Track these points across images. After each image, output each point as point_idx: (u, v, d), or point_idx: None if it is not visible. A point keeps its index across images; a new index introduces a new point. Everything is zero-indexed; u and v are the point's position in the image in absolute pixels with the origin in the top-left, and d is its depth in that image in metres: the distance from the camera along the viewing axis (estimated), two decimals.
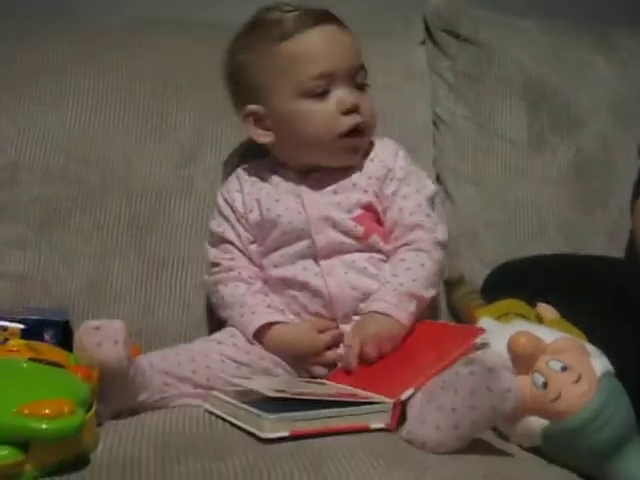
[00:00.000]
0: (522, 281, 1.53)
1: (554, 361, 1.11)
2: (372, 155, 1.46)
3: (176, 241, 1.62)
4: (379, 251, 1.40)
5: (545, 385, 1.09)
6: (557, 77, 1.88)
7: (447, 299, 1.58)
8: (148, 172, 1.65)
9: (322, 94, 1.39)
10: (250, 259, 1.46)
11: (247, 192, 1.47)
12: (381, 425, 1.13)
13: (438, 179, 1.78)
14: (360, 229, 1.39)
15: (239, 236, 1.46)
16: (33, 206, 1.59)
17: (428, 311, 1.40)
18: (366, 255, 1.39)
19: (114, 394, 1.14)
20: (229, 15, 1.91)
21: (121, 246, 1.60)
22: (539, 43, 1.93)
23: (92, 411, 1.03)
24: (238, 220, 1.47)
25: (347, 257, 1.39)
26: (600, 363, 1.12)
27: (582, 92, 1.88)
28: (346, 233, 1.39)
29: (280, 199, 1.43)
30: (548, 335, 1.15)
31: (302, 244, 1.40)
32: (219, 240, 1.48)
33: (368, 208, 1.41)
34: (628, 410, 1.10)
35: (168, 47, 1.80)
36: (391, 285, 1.34)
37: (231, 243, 1.46)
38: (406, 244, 1.39)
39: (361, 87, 1.43)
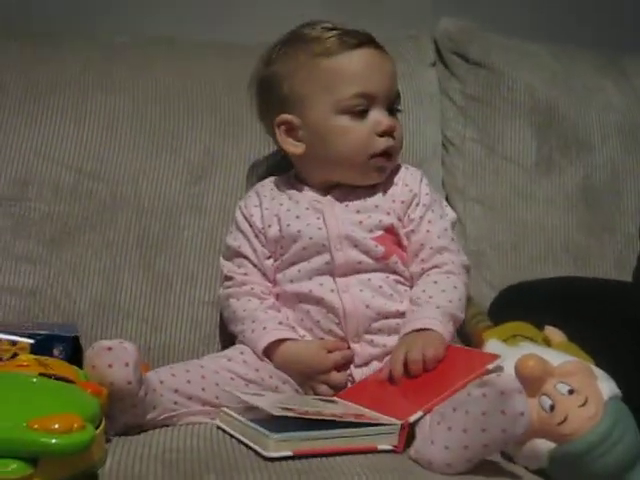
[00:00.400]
0: (529, 303, 1.53)
1: (561, 384, 1.11)
2: (396, 179, 1.48)
3: (185, 259, 1.63)
4: (397, 272, 1.41)
5: (552, 408, 1.09)
6: (566, 101, 1.89)
7: None
8: (158, 190, 1.65)
9: (360, 113, 1.41)
10: (264, 274, 1.46)
11: (266, 207, 1.48)
12: (388, 446, 1.13)
13: (447, 200, 1.78)
14: (381, 249, 1.40)
15: (255, 251, 1.46)
16: (44, 222, 1.60)
17: None
18: (383, 275, 1.40)
19: (123, 413, 1.15)
20: (241, 36, 1.94)
21: (130, 263, 1.61)
22: (549, 67, 1.94)
23: (101, 427, 1.03)
24: (256, 235, 1.47)
25: (364, 275, 1.39)
26: (607, 386, 1.12)
27: (591, 117, 1.89)
28: (366, 252, 1.40)
29: (301, 215, 1.44)
30: (555, 358, 1.15)
31: (320, 260, 1.40)
32: (234, 254, 1.48)
33: (389, 230, 1.42)
34: (635, 434, 1.10)
35: (180, 66, 1.81)
36: (430, 305, 1.34)
37: (246, 257, 1.47)
38: (436, 266, 1.40)
39: (394, 112, 1.46)
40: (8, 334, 1.33)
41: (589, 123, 1.89)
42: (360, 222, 1.42)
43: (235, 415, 1.18)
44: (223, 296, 1.47)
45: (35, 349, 1.31)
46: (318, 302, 1.39)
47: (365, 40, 1.45)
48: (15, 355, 1.26)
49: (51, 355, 1.30)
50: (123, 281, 1.60)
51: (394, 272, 1.41)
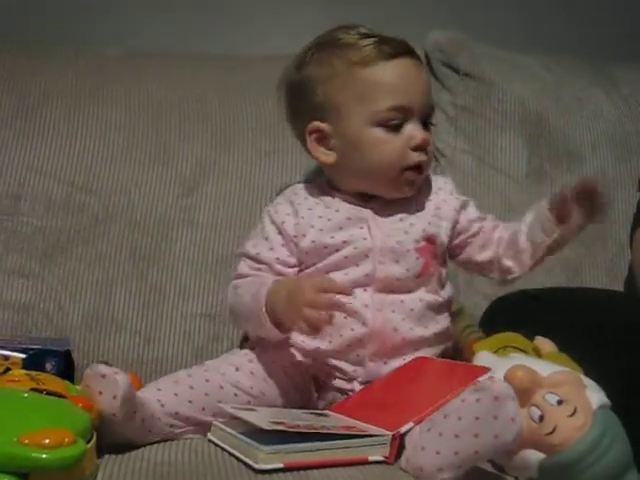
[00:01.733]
0: (520, 314, 1.53)
1: (550, 394, 1.11)
2: (435, 188, 1.48)
3: (177, 271, 1.63)
4: (431, 292, 1.39)
5: (541, 418, 1.09)
6: (557, 112, 1.90)
7: None
8: (150, 203, 1.66)
9: (395, 127, 1.39)
10: None
11: (302, 216, 1.42)
12: (380, 458, 1.13)
13: None
14: (421, 262, 1.38)
15: (277, 259, 1.41)
16: (36, 236, 1.61)
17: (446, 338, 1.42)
18: (417, 297, 1.38)
19: (112, 434, 1.14)
20: (231, 47, 1.95)
21: (123, 276, 1.62)
22: (539, 78, 1.95)
23: (92, 441, 1.03)
24: (284, 243, 1.42)
25: (398, 297, 1.37)
26: (596, 396, 1.12)
27: (582, 127, 1.90)
28: (407, 268, 1.37)
29: (344, 226, 1.40)
30: (545, 368, 1.15)
31: (360, 272, 1.37)
32: (253, 261, 1.42)
33: (431, 240, 1.41)
34: (624, 443, 1.10)
35: (170, 78, 1.82)
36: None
37: (265, 264, 1.41)
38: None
39: (428, 125, 1.43)
40: (0, 349, 1.33)
41: (580, 133, 1.89)
42: (405, 231, 1.40)
43: (226, 428, 1.18)
44: (231, 286, 1.41)
45: (27, 364, 1.31)
46: (349, 315, 1.35)
47: (402, 50, 1.41)
48: (7, 370, 1.26)
49: (43, 369, 1.31)
50: (116, 294, 1.60)
51: (428, 291, 1.39)
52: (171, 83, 1.81)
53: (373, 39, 1.41)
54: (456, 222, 1.45)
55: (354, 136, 1.40)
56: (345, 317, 1.34)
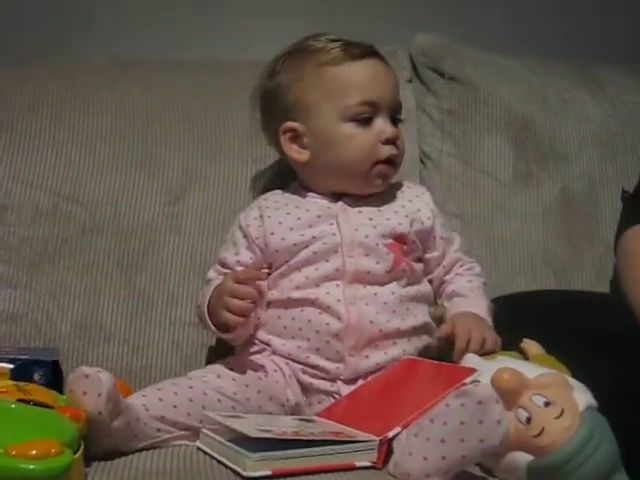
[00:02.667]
0: (509, 317, 1.53)
1: (537, 396, 1.11)
2: (411, 196, 1.53)
3: (165, 279, 1.63)
4: (403, 285, 1.42)
5: (529, 420, 1.10)
6: (542, 114, 1.90)
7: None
8: (137, 211, 1.66)
9: (365, 121, 1.45)
10: None
11: (268, 215, 1.47)
12: (367, 463, 1.13)
13: None
14: (391, 256, 1.42)
15: (238, 262, 1.46)
16: (23, 246, 1.60)
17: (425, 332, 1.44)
18: (389, 290, 1.40)
19: (98, 441, 1.14)
20: (216, 53, 1.95)
21: (111, 285, 1.61)
22: (525, 80, 1.95)
23: (80, 451, 1.03)
24: (247, 246, 1.48)
25: (370, 289, 1.40)
26: (583, 397, 1.13)
27: (567, 128, 1.91)
28: (377, 261, 1.41)
29: (314, 223, 1.44)
30: (532, 370, 1.15)
31: (330, 266, 1.40)
32: (220, 265, 1.49)
33: (399, 239, 1.45)
34: (612, 444, 1.10)
35: (155, 86, 1.82)
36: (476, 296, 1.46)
37: (230, 267, 1.47)
38: (469, 269, 1.53)
39: (397, 122, 1.51)
40: None
41: (565, 134, 1.90)
42: (374, 227, 1.44)
43: (214, 436, 1.19)
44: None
45: (15, 374, 1.30)
46: (323, 311, 1.38)
47: (369, 51, 1.50)
48: None
49: (31, 379, 1.30)
50: (104, 303, 1.60)
51: (401, 285, 1.42)
52: (156, 91, 1.81)
53: (341, 42, 1.49)
54: (426, 231, 1.49)
55: (326, 133, 1.46)
56: (320, 313, 1.37)
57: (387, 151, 1.46)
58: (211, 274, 1.49)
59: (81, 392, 1.13)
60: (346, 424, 1.22)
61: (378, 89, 1.47)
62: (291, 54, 1.52)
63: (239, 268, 1.44)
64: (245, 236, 1.49)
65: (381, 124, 1.46)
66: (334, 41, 1.50)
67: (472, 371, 1.20)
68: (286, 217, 1.46)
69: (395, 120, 1.50)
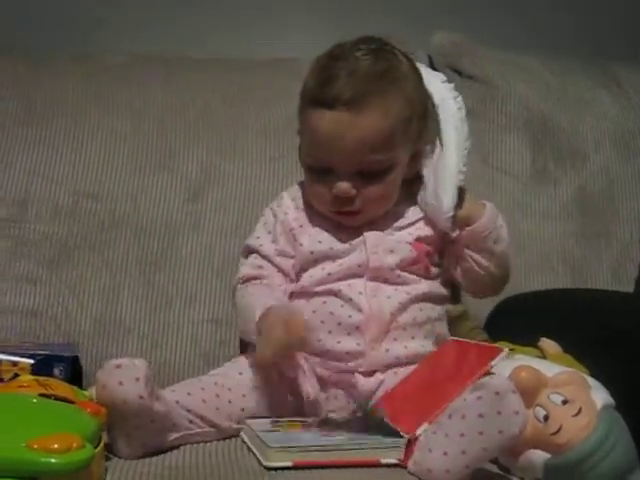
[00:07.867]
0: (526, 316, 1.54)
1: (555, 394, 1.11)
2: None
3: (184, 276, 1.64)
4: (424, 280, 1.41)
5: (546, 418, 1.10)
6: (561, 112, 1.90)
7: (451, 334, 1.59)
8: (156, 208, 1.67)
9: (322, 171, 1.37)
10: (284, 274, 1.43)
11: (302, 208, 1.45)
12: (393, 460, 1.12)
13: None
14: (414, 254, 1.39)
15: (277, 250, 1.43)
16: (43, 242, 1.61)
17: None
18: (411, 286, 1.39)
19: (140, 429, 1.13)
20: (234, 51, 1.96)
21: (130, 281, 1.62)
22: (543, 79, 1.95)
23: (100, 446, 1.04)
24: (284, 233, 1.44)
25: (390, 287, 1.37)
26: (601, 396, 1.13)
27: (585, 126, 1.91)
28: (401, 258, 1.38)
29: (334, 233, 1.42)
30: (550, 369, 1.16)
31: (354, 261, 1.38)
32: (254, 255, 1.45)
33: (421, 240, 1.42)
34: (629, 442, 1.10)
35: (174, 83, 1.83)
36: None
37: (265, 257, 1.44)
38: None
39: (371, 175, 1.37)
40: (9, 355, 1.34)
41: (583, 133, 1.90)
42: (399, 229, 1.42)
43: (252, 426, 1.21)
44: (237, 289, 1.44)
45: (35, 369, 1.32)
46: (345, 302, 1.35)
47: (342, 100, 1.31)
48: (16, 376, 1.27)
49: (51, 375, 1.31)
50: (123, 300, 1.61)
51: (422, 282, 1.40)
52: (175, 88, 1.82)
53: (321, 79, 1.36)
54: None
55: (302, 165, 1.44)
56: (342, 305, 1.36)
57: (343, 206, 1.37)
58: (246, 269, 1.44)
59: (116, 383, 1.11)
60: (392, 415, 1.19)
61: (332, 154, 1.34)
62: (314, 61, 1.42)
63: (278, 258, 1.42)
64: (282, 223, 1.45)
65: (334, 179, 1.36)
66: (323, 70, 1.36)
67: (499, 351, 1.19)
68: (313, 214, 1.44)
69: (369, 173, 1.36)
